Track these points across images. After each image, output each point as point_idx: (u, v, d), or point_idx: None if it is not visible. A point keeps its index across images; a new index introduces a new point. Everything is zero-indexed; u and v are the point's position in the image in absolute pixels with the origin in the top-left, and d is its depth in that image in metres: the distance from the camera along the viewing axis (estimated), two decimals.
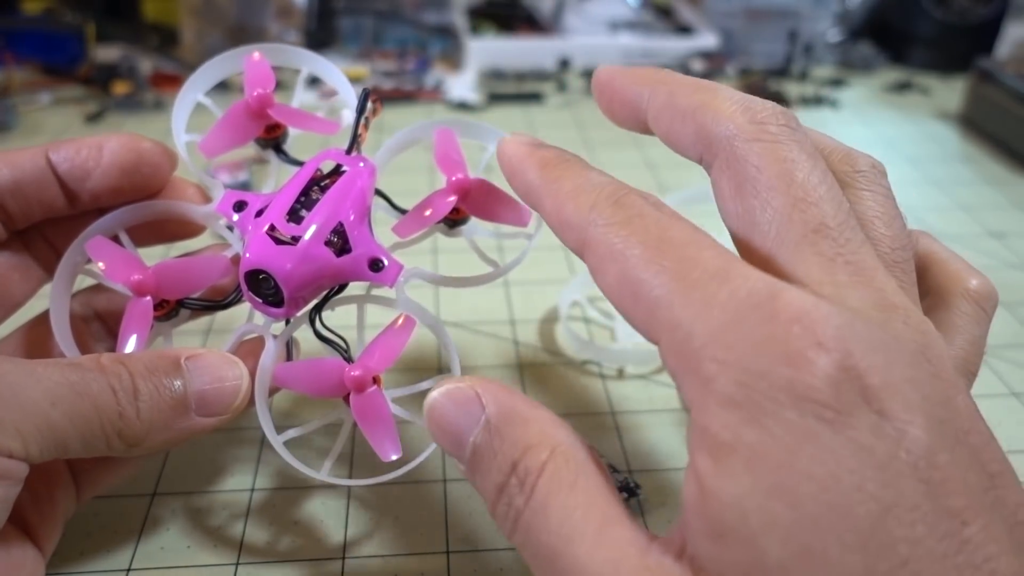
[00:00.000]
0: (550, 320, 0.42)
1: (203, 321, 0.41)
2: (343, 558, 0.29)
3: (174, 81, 0.70)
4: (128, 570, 0.28)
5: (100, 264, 0.27)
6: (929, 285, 0.26)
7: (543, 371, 0.39)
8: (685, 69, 0.76)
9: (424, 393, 0.29)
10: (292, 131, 0.30)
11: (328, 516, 0.31)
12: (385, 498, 0.31)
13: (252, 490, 0.32)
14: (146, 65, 0.72)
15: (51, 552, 0.26)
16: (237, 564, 0.29)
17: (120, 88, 0.67)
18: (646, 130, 0.25)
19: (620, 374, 0.39)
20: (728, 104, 0.22)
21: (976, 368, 0.25)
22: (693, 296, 0.18)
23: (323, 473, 0.27)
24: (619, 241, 0.20)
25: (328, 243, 0.26)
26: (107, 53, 0.73)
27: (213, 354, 0.26)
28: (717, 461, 0.17)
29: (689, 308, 0.18)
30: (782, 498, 0.16)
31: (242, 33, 0.71)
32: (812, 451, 0.16)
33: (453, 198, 0.28)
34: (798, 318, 0.17)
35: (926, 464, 0.17)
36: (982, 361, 0.25)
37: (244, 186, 0.51)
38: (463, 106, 0.69)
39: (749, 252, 0.21)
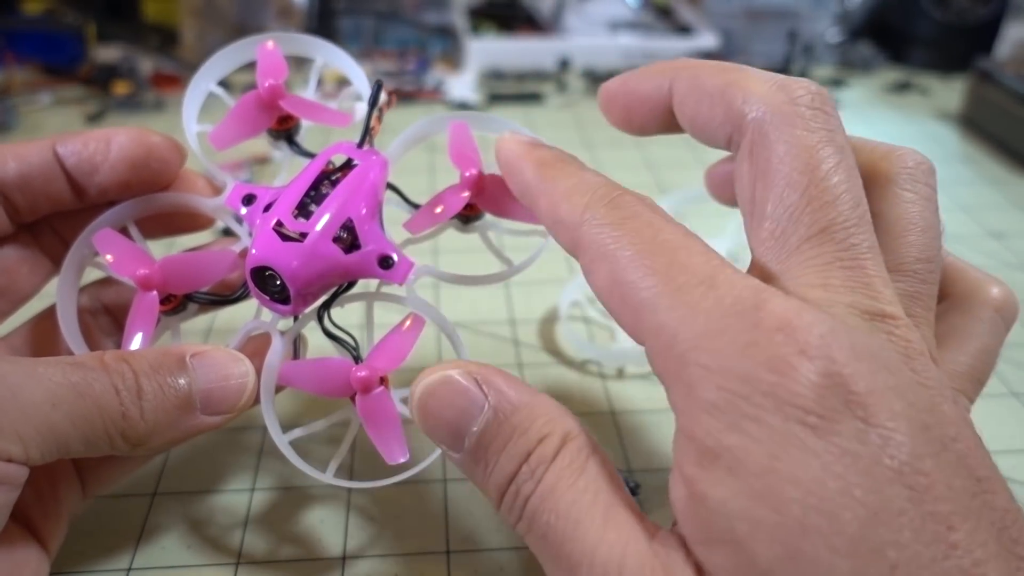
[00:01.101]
0: (550, 320, 0.42)
1: (206, 315, 0.41)
2: (343, 558, 0.29)
3: (174, 81, 0.70)
4: (128, 570, 0.28)
5: (107, 257, 0.27)
6: (949, 291, 0.26)
7: (543, 371, 0.39)
8: None
9: None
10: (305, 123, 0.30)
11: (328, 516, 0.31)
12: (385, 498, 0.31)
13: (252, 490, 0.32)
14: (146, 65, 0.72)
15: (56, 551, 0.26)
16: (237, 564, 0.29)
17: (120, 88, 0.67)
18: (669, 126, 0.25)
19: (620, 374, 0.39)
20: (760, 83, 0.22)
21: (985, 377, 0.24)
22: (679, 300, 0.18)
23: (328, 475, 0.26)
24: (611, 241, 0.20)
25: (337, 239, 0.26)
26: (107, 53, 0.73)
27: (219, 351, 0.25)
28: (702, 467, 0.17)
29: (674, 312, 0.18)
30: (767, 502, 0.16)
31: (242, 33, 0.71)
32: (797, 455, 0.17)
33: (467, 194, 0.28)
34: (781, 327, 0.17)
35: (911, 470, 0.17)
36: (992, 371, 0.24)
37: None
38: (463, 106, 0.69)
39: (756, 240, 0.21)
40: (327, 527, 0.30)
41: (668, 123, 0.25)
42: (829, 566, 0.16)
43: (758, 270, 0.21)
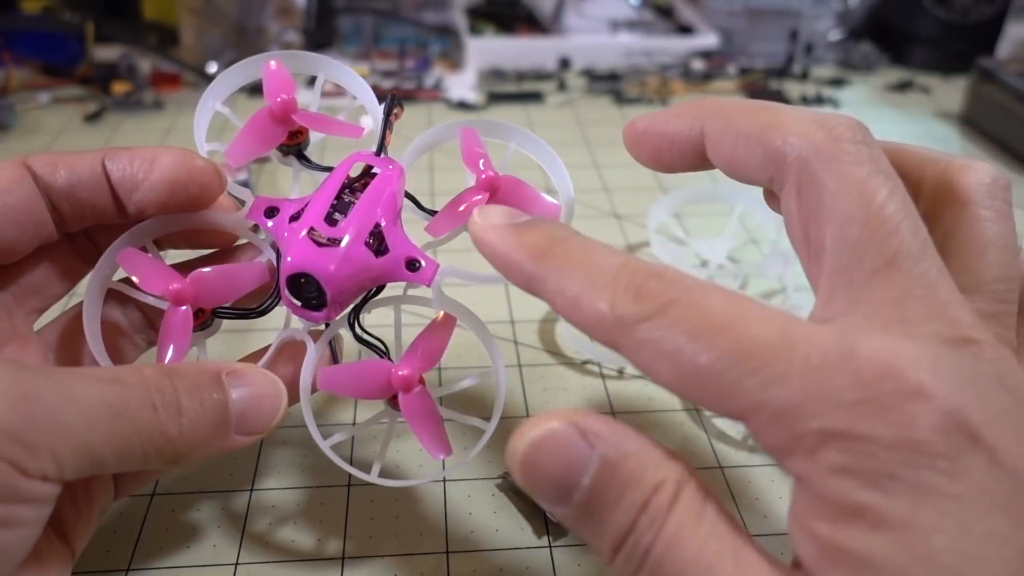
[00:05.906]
0: (550, 320, 0.42)
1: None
2: (342, 558, 0.29)
3: (174, 81, 0.70)
4: (128, 570, 0.28)
5: (134, 277, 0.27)
6: (925, 196, 0.24)
7: (543, 371, 0.39)
8: (686, 69, 0.76)
9: (467, 391, 0.29)
10: (312, 136, 0.30)
11: (328, 516, 0.31)
12: (385, 498, 0.31)
13: (251, 490, 0.32)
14: (145, 64, 0.72)
15: (81, 550, 0.26)
16: (236, 564, 0.29)
17: (119, 87, 0.67)
18: (701, 165, 0.24)
19: (620, 374, 0.39)
20: (798, 122, 0.21)
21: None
22: (764, 375, 0.18)
23: (373, 475, 0.27)
24: (659, 338, 0.19)
25: (366, 244, 0.26)
26: (106, 52, 0.73)
27: (253, 370, 0.25)
28: (839, 524, 0.17)
29: (766, 389, 0.18)
30: (916, 554, 0.16)
31: (242, 33, 0.71)
32: (937, 503, 0.16)
33: (483, 195, 0.28)
34: (884, 373, 0.17)
35: None
36: None
37: (243, 185, 0.51)
38: (463, 105, 0.69)
39: (817, 279, 0.21)
40: (326, 527, 0.30)
41: (700, 163, 0.24)
42: None
43: (825, 309, 0.20)
